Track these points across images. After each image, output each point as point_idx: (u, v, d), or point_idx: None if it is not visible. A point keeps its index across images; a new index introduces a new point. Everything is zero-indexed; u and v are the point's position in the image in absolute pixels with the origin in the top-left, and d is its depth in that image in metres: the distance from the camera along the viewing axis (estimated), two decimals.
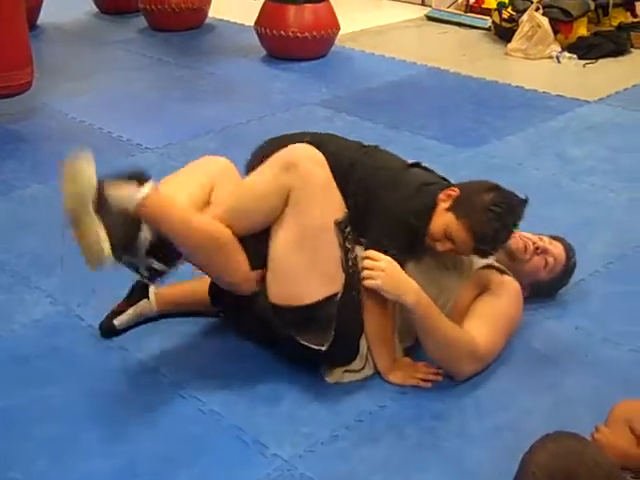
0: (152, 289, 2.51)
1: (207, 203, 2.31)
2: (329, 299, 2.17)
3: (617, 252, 2.97)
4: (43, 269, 2.84)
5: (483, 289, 2.39)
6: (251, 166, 2.40)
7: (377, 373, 2.30)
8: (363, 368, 2.29)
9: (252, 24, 5.35)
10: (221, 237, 2.16)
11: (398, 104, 4.54)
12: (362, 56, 5.44)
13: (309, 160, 2.17)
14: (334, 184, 2.21)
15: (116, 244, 2.04)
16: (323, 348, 2.18)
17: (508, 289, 2.40)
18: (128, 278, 2.71)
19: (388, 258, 2.20)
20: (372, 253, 2.21)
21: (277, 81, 4.93)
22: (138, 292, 2.52)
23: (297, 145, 2.23)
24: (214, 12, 6.16)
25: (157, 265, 2.18)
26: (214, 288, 2.37)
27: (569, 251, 2.61)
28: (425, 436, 2.10)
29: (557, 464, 1.61)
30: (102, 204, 2.05)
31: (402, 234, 2.27)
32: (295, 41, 5.12)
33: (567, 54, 5.31)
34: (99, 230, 2.03)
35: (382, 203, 2.28)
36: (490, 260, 2.45)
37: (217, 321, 2.54)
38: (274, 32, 5.15)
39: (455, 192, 2.28)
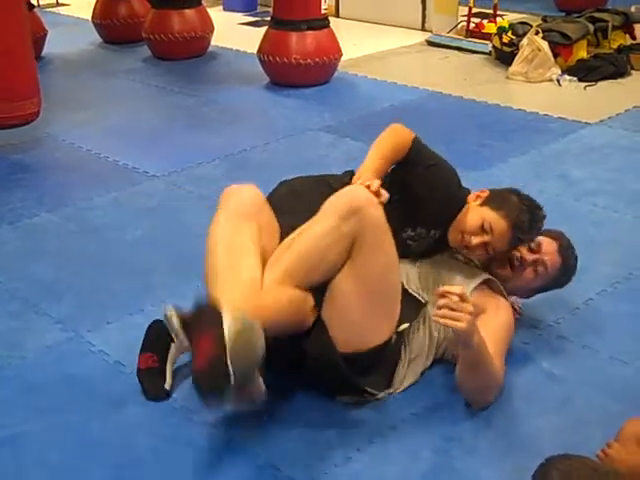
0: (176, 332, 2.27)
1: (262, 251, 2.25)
2: (387, 342, 2.21)
3: (623, 272, 2.99)
4: (53, 296, 2.86)
5: (480, 311, 2.35)
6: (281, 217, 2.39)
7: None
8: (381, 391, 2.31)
9: (255, 51, 5.41)
10: (303, 311, 2.13)
11: None
12: (364, 81, 5.49)
13: (369, 202, 2.14)
14: (386, 219, 2.18)
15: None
16: (380, 396, 2.24)
17: (505, 315, 2.39)
18: (136, 302, 2.74)
19: (471, 300, 2.09)
20: (457, 290, 2.05)
21: (280, 107, 4.98)
22: (163, 342, 2.34)
23: (352, 189, 2.20)
24: (217, 40, 6.23)
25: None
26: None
27: (565, 250, 2.54)
28: (438, 457, 2.10)
29: None
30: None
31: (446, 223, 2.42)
32: (298, 68, 5.17)
33: (567, 77, 5.36)
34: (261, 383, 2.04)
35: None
36: (486, 275, 2.47)
37: None
38: (277, 59, 5.21)
39: (485, 193, 2.46)
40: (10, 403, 2.33)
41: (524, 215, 2.38)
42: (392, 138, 2.48)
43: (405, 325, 2.27)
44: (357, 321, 2.16)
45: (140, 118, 4.81)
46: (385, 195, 2.21)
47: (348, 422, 2.22)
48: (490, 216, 2.38)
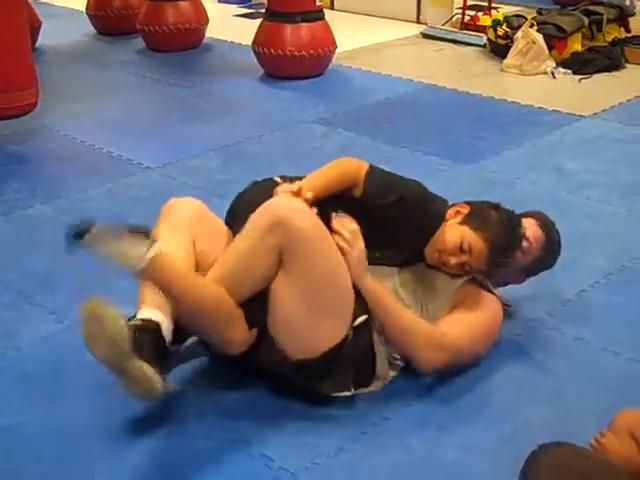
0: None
1: (195, 261, 2.25)
2: (343, 340, 2.20)
3: (616, 264, 3.00)
4: (47, 287, 2.87)
5: (462, 301, 2.38)
6: (230, 222, 2.39)
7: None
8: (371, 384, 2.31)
9: (249, 43, 5.41)
10: (225, 306, 2.10)
11: (396, 121, 4.58)
12: (359, 74, 5.49)
13: (291, 212, 2.10)
14: (322, 226, 2.17)
15: (161, 370, 2.02)
16: (349, 393, 2.23)
17: (487, 302, 2.40)
18: (130, 293, 2.74)
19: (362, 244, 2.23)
20: (351, 225, 2.23)
21: (275, 99, 4.98)
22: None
23: (272, 202, 2.16)
24: (212, 32, 6.22)
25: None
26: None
27: (544, 225, 2.55)
28: (429, 447, 2.11)
29: (559, 473, 1.63)
30: (134, 340, 1.98)
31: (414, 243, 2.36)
32: (292, 60, 5.17)
33: (562, 70, 5.36)
34: (147, 371, 1.98)
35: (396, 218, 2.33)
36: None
37: None
38: (271, 51, 5.20)
39: (465, 209, 2.38)
40: (4, 394, 2.33)
41: (503, 237, 2.33)
42: (342, 164, 2.38)
43: (362, 318, 2.23)
44: (301, 328, 2.15)
45: (135, 110, 4.81)
46: (308, 195, 2.19)
47: (340, 413, 2.23)
48: (469, 236, 2.32)
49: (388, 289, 2.34)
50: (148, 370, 1.98)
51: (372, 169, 2.36)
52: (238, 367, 2.33)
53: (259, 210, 2.15)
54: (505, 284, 2.59)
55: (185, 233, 2.29)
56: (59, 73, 5.56)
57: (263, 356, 2.20)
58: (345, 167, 2.37)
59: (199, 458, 2.08)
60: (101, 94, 5.07)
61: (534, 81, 5.32)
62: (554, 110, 4.67)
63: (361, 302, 2.25)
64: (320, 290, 2.15)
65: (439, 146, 4.14)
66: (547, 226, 2.56)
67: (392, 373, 2.34)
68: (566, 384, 2.35)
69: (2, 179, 3.78)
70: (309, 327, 2.15)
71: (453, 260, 2.34)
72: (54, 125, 4.47)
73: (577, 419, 2.18)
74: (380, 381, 2.31)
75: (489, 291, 2.44)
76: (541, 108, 4.71)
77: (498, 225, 2.34)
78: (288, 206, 2.13)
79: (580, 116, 4.57)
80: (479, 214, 2.37)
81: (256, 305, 2.15)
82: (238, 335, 2.13)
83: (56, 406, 2.27)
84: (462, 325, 2.32)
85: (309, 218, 2.14)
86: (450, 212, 2.40)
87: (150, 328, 2.07)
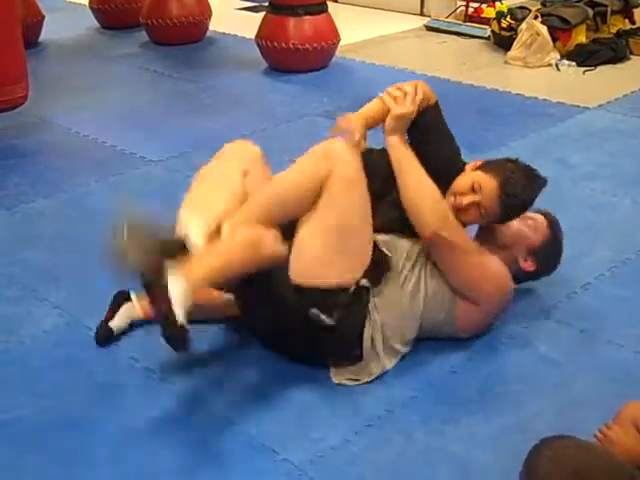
0: (133, 296, 2.56)
1: (241, 201, 2.36)
2: (344, 289, 2.25)
3: (621, 256, 2.99)
4: (51, 281, 2.86)
5: None
6: None
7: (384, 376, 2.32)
8: (369, 374, 2.32)
9: (253, 37, 5.39)
10: (262, 247, 2.21)
11: None
12: (363, 67, 5.48)
13: (343, 151, 2.28)
14: (364, 177, 2.31)
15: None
16: (329, 322, 2.23)
17: (494, 265, 2.43)
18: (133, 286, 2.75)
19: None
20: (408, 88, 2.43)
21: (279, 93, 4.96)
22: (120, 298, 2.57)
23: (330, 142, 2.33)
24: (215, 25, 6.20)
25: None
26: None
27: (546, 214, 2.64)
28: (433, 440, 2.11)
29: (561, 466, 1.63)
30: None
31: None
32: (296, 53, 5.15)
33: (566, 61, 5.34)
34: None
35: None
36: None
37: (224, 330, 2.57)
38: (275, 44, 5.19)
39: (481, 161, 2.50)
40: (8, 387, 2.34)
41: (515, 175, 2.41)
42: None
43: (365, 281, 2.29)
44: (311, 254, 2.26)
45: (138, 103, 4.80)
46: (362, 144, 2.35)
47: (345, 405, 2.23)
48: (480, 177, 2.42)
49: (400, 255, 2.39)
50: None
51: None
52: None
53: (315, 146, 2.33)
54: (517, 273, 2.56)
55: (239, 162, 2.49)
56: (62, 67, 5.55)
57: (271, 276, 2.26)
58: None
59: (203, 450, 2.08)
60: (104, 88, 5.06)
61: (538, 73, 5.30)
62: (558, 102, 4.65)
63: (372, 272, 2.30)
64: (341, 232, 2.25)
65: None
66: (549, 214, 2.65)
67: (388, 364, 2.34)
68: (571, 376, 2.35)
69: (4, 173, 3.78)
70: (318, 257, 2.25)
71: (465, 200, 2.40)
72: (56, 119, 4.46)
73: (582, 411, 2.18)
74: (366, 369, 2.30)
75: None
76: (545, 100, 4.69)
77: (511, 167, 2.44)
78: (342, 146, 2.30)
79: (584, 108, 4.55)
80: (494, 162, 2.49)
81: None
82: (282, 254, 2.25)
83: (59, 399, 2.28)
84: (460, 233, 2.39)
85: (355, 162, 2.30)
86: (467, 167, 2.51)
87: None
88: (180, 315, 2.00)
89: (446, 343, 2.43)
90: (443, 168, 2.45)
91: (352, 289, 2.27)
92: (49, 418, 2.20)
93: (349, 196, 2.27)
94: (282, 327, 2.33)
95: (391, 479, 1.99)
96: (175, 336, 2.03)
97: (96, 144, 4.14)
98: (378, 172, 2.41)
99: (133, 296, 2.57)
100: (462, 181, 2.44)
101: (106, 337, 2.50)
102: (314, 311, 2.24)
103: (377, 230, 2.38)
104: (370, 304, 2.30)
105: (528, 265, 2.57)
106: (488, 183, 2.39)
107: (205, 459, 2.05)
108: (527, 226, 2.56)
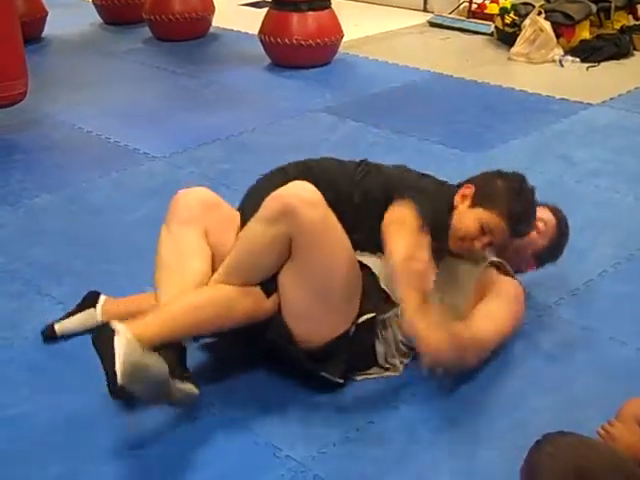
0: (101, 300, 2.53)
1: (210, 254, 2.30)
2: (345, 333, 2.22)
3: (625, 253, 2.98)
4: (54, 277, 2.87)
5: (487, 290, 2.39)
6: (242, 214, 2.37)
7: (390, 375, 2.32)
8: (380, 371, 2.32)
9: (256, 32, 5.39)
10: (228, 302, 2.15)
11: (402, 109, 4.56)
12: (366, 63, 5.47)
13: (301, 203, 2.08)
14: (333, 219, 2.15)
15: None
16: (341, 381, 2.24)
17: (508, 291, 2.40)
18: (136, 282, 2.76)
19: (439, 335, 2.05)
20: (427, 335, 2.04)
21: (282, 89, 4.96)
22: (88, 301, 2.55)
23: (286, 188, 2.14)
24: (218, 21, 6.20)
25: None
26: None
27: (554, 209, 2.62)
28: (436, 437, 2.11)
29: (563, 462, 1.63)
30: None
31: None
32: (299, 49, 5.15)
33: (570, 58, 5.33)
34: (185, 388, 2.08)
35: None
36: (492, 257, 2.47)
37: None
38: (278, 40, 5.19)
39: (470, 189, 2.38)
40: (12, 382, 2.34)
41: (517, 204, 2.34)
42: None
43: (368, 315, 2.25)
44: (305, 317, 2.18)
45: (141, 99, 4.80)
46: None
47: (348, 402, 2.23)
48: (485, 217, 2.33)
49: None
50: (186, 387, 2.06)
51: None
52: (245, 346, 2.36)
53: (270, 197, 2.14)
54: (518, 270, 2.57)
55: (195, 227, 2.31)
56: (65, 62, 5.55)
57: (271, 333, 2.21)
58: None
59: (206, 447, 2.08)
60: (107, 83, 5.06)
61: (542, 69, 5.29)
62: (562, 98, 4.64)
63: (370, 299, 2.26)
64: (324, 284, 2.15)
65: (446, 135, 4.12)
66: (559, 212, 2.62)
67: (404, 361, 2.34)
68: (573, 373, 2.35)
69: (7, 169, 3.78)
70: (312, 318, 2.18)
71: (478, 244, 2.35)
72: (59, 115, 4.46)
73: (584, 408, 2.17)
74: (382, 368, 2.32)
75: (507, 273, 2.45)
76: (549, 96, 4.69)
77: (507, 194, 2.35)
78: (299, 195, 2.10)
79: (588, 104, 4.54)
80: (486, 191, 2.37)
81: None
82: (259, 308, 2.18)
83: (63, 395, 2.28)
84: (489, 319, 2.31)
85: (319, 210, 2.11)
86: (457, 197, 2.40)
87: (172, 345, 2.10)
88: (119, 375, 1.90)
89: None
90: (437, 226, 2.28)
91: (352, 331, 2.23)
92: (52, 414, 2.21)
93: (322, 253, 2.12)
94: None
95: (394, 476, 1.99)
96: (117, 393, 1.96)
97: (99, 140, 4.14)
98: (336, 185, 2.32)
99: (100, 300, 2.53)
100: (467, 224, 2.34)
101: (48, 338, 2.49)
102: (324, 374, 2.22)
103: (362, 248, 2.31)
104: (378, 330, 2.29)
105: (531, 266, 2.60)
106: (495, 222, 2.32)
107: (208, 456, 2.05)
108: (538, 230, 2.54)
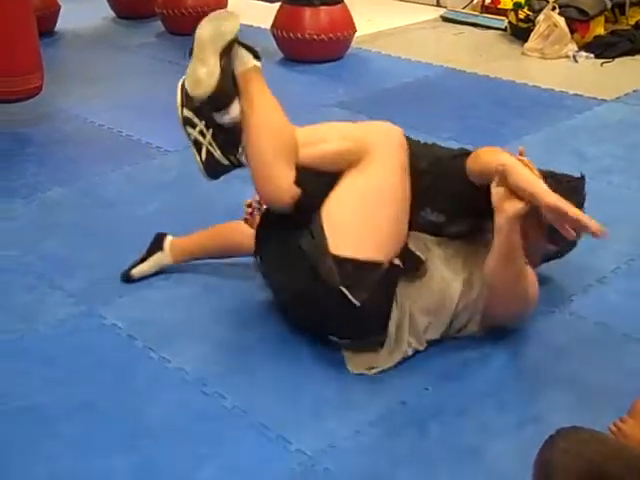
0: (167, 241, 2.77)
1: None
2: (378, 264, 2.22)
3: (638, 250, 2.97)
4: (66, 270, 2.87)
5: None
6: None
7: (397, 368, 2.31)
8: (388, 357, 2.32)
9: (268, 27, 5.38)
10: (285, 133, 2.28)
11: (415, 105, 4.55)
12: (379, 58, 5.46)
13: (398, 137, 2.31)
14: (407, 167, 2.29)
15: (217, 89, 2.29)
16: (357, 303, 2.20)
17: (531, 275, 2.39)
18: (148, 276, 2.77)
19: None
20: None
21: (294, 83, 4.95)
22: (155, 245, 2.78)
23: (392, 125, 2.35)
24: None
25: (217, 144, 2.35)
26: (262, 232, 2.44)
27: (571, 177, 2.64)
28: (447, 431, 2.11)
29: (576, 458, 1.62)
30: (227, 53, 2.32)
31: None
32: (312, 43, 5.14)
33: (584, 53, 5.30)
34: (216, 68, 2.29)
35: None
36: None
37: (240, 318, 2.57)
38: (291, 35, 5.18)
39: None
40: (24, 375, 2.35)
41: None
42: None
43: (398, 261, 2.26)
44: (346, 226, 2.23)
45: (153, 93, 4.79)
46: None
47: (358, 396, 2.23)
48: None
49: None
50: (216, 71, 2.29)
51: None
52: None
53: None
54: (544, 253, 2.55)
55: None
56: (78, 56, 5.56)
57: (303, 238, 2.24)
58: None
59: (216, 440, 2.09)
60: (120, 77, 5.06)
61: (555, 65, 5.26)
62: (575, 94, 4.62)
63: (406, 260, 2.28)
64: (377, 203, 2.23)
65: (459, 130, 4.10)
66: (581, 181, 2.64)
67: (412, 342, 2.33)
68: (585, 369, 2.33)
69: (20, 162, 3.79)
70: (353, 229, 2.22)
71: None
72: (72, 108, 4.47)
73: (596, 405, 2.17)
74: (388, 356, 2.30)
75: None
76: (562, 92, 4.66)
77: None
78: (400, 133, 2.33)
79: (602, 100, 4.52)
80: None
81: (319, 181, 2.26)
82: (286, 179, 2.23)
83: (75, 387, 2.29)
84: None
85: (405, 153, 2.29)
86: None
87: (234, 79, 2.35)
88: None
89: (459, 336, 2.43)
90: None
91: (385, 267, 2.23)
92: (63, 405, 2.21)
93: (388, 176, 2.24)
94: (303, 294, 2.30)
95: (405, 470, 1.99)
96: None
97: (112, 134, 4.14)
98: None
99: (167, 241, 2.78)
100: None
101: (127, 280, 2.75)
102: (343, 288, 2.19)
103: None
104: (399, 289, 2.28)
105: (552, 245, 2.55)
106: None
107: (218, 449, 2.06)
108: None
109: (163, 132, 4.14)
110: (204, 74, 2.30)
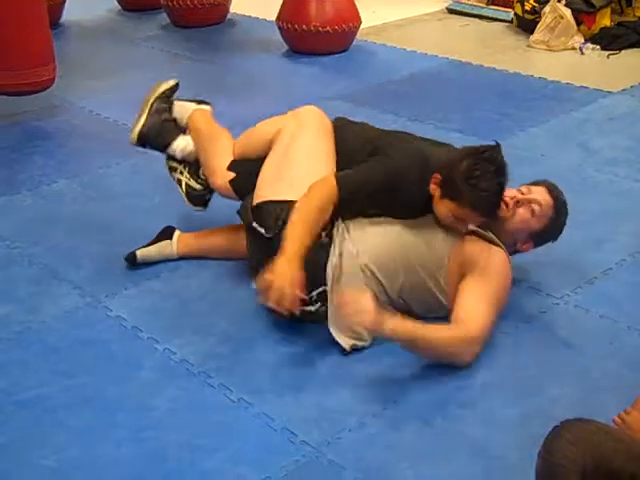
0: (176, 234, 2.87)
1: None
2: (288, 201, 2.41)
3: None
4: (71, 262, 2.88)
5: (471, 263, 2.39)
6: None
7: (401, 361, 2.31)
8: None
9: (274, 19, 5.38)
10: (216, 139, 2.83)
11: (420, 97, 4.54)
12: (384, 50, 5.45)
13: (311, 112, 2.68)
14: (328, 136, 2.61)
15: (145, 133, 2.91)
16: (267, 234, 2.42)
17: (495, 263, 2.40)
18: (153, 268, 2.77)
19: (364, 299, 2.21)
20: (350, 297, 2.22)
21: (299, 75, 4.95)
22: (165, 234, 2.88)
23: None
24: (235, 7, 6.19)
25: (190, 175, 2.87)
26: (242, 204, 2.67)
27: (553, 191, 2.56)
28: (451, 424, 2.11)
29: (581, 449, 1.62)
30: (161, 101, 2.96)
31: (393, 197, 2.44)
32: (317, 35, 5.13)
33: (590, 45, 5.28)
34: (141, 117, 2.92)
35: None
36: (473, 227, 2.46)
37: (245, 311, 2.57)
38: (296, 27, 5.17)
39: (437, 178, 2.39)
40: (30, 366, 2.36)
41: (477, 191, 2.29)
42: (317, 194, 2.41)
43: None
44: (264, 180, 2.55)
45: None
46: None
47: (363, 388, 2.23)
48: (453, 208, 2.35)
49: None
50: (142, 119, 2.93)
51: (338, 178, 2.42)
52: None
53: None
54: (514, 252, 2.55)
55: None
56: (83, 49, 5.56)
57: (246, 205, 2.56)
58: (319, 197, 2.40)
59: (221, 431, 2.09)
60: (125, 70, 5.06)
61: (562, 57, 5.24)
62: (582, 86, 4.60)
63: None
64: (290, 158, 2.52)
65: (464, 122, 4.10)
66: (555, 190, 2.58)
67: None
68: (591, 362, 2.33)
69: (26, 155, 3.80)
70: (268, 178, 2.53)
71: (461, 227, 2.41)
72: (78, 101, 4.47)
73: (601, 397, 2.17)
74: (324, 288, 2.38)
75: (491, 242, 2.43)
76: (568, 84, 4.65)
77: (466, 185, 2.30)
78: (315, 110, 2.72)
79: (608, 92, 4.50)
80: (448, 180, 2.35)
81: (255, 165, 2.61)
82: (219, 168, 2.74)
83: (80, 378, 2.30)
84: (479, 307, 2.30)
85: (322, 121, 2.66)
86: (432, 186, 2.40)
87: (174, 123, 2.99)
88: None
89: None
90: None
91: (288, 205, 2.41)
92: (69, 397, 2.22)
93: (308, 135, 2.57)
94: (253, 257, 2.55)
95: (409, 462, 1.99)
96: None
97: (117, 126, 4.14)
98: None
99: (176, 234, 2.86)
100: (441, 215, 2.41)
101: (130, 262, 2.82)
102: (254, 224, 2.45)
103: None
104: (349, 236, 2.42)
105: (525, 248, 2.57)
106: (462, 212, 2.35)
107: (223, 440, 2.06)
108: (533, 213, 2.50)
109: None
110: (134, 125, 2.94)
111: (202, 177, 2.85)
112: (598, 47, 5.27)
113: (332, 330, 2.36)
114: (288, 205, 2.40)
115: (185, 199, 2.87)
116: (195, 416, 2.15)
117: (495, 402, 2.18)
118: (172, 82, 3.01)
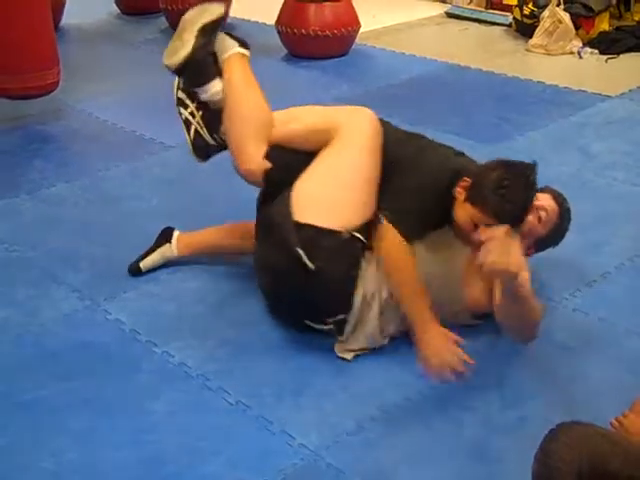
0: (175, 235, 2.82)
1: None
2: (337, 232, 2.30)
3: None
4: (70, 265, 2.88)
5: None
6: None
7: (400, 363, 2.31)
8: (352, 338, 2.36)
9: (273, 23, 5.38)
10: (258, 112, 2.52)
11: (419, 101, 4.55)
12: (383, 54, 5.46)
13: (367, 118, 2.45)
14: (379, 149, 2.42)
15: (189, 63, 2.55)
16: (312, 267, 2.27)
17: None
18: (152, 271, 2.77)
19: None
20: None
21: (298, 80, 4.95)
22: (163, 237, 2.83)
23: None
24: (235, 12, 6.17)
25: (204, 123, 2.58)
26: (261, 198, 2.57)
27: (558, 197, 2.58)
28: (450, 427, 2.11)
29: (577, 451, 1.62)
30: (207, 34, 2.55)
31: (420, 214, 2.37)
32: (316, 40, 5.14)
33: (589, 49, 5.29)
34: (189, 42, 2.54)
35: (412, 180, 2.41)
36: None
37: (243, 314, 2.58)
38: (295, 31, 5.18)
39: (466, 182, 2.36)
40: (28, 369, 2.36)
41: (504, 202, 2.26)
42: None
43: (360, 235, 2.33)
44: (310, 195, 2.36)
45: (158, 89, 4.74)
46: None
47: (361, 392, 2.24)
48: (475, 215, 2.31)
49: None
50: (188, 45, 2.55)
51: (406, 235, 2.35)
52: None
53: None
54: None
55: None
56: (83, 52, 5.56)
57: (274, 208, 2.41)
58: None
59: (220, 434, 2.09)
60: (124, 73, 5.07)
61: (560, 61, 5.25)
62: (580, 90, 4.61)
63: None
64: (345, 181, 2.36)
65: (463, 126, 4.10)
66: (561, 197, 2.59)
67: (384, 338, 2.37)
68: (588, 365, 2.34)
69: (26, 158, 3.80)
70: (318, 198, 2.36)
71: (476, 237, 2.32)
72: (77, 104, 4.48)
73: (599, 400, 2.17)
74: (351, 329, 2.33)
75: None
76: (567, 88, 4.66)
77: (496, 192, 2.27)
78: (374, 117, 2.48)
79: (606, 96, 4.51)
80: (477, 187, 2.33)
81: (296, 158, 2.43)
82: (256, 153, 2.46)
83: (79, 381, 2.30)
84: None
85: (378, 134, 2.44)
86: (458, 189, 2.38)
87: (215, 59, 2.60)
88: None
89: (462, 330, 2.42)
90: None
91: (345, 236, 2.30)
92: (68, 400, 2.22)
93: (359, 156, 2.37)
94: (274, 268, 2.39)
95: (407, 465, 1.99)
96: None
97: (116, 129, 4.15)
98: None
99: (175, 235, 2.82)
100: (461, 221, 2.37)
101: (135, 273, 2.78)
102: (299, 250, 2.27)
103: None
104: (364, 263, 2.33)
105: (529, 253, 2.54)
106: (484, 220, 2.29)
107: (222, 443, 2.06)
108: (540, 219, 2.51)
109: (167, 128, 4.12)
110: (177, 46, 2.56)
111: (222, 137, 2.57)
112: (597, 51, 5.28)
113: (338, 352, 2.36)
114: (334, 235, 2.30)
115: (190, 146, 2.63)
116: (193, 419, 2.15)
117: (493, 405, 2.19)
118: (218, 12, 2.60)
